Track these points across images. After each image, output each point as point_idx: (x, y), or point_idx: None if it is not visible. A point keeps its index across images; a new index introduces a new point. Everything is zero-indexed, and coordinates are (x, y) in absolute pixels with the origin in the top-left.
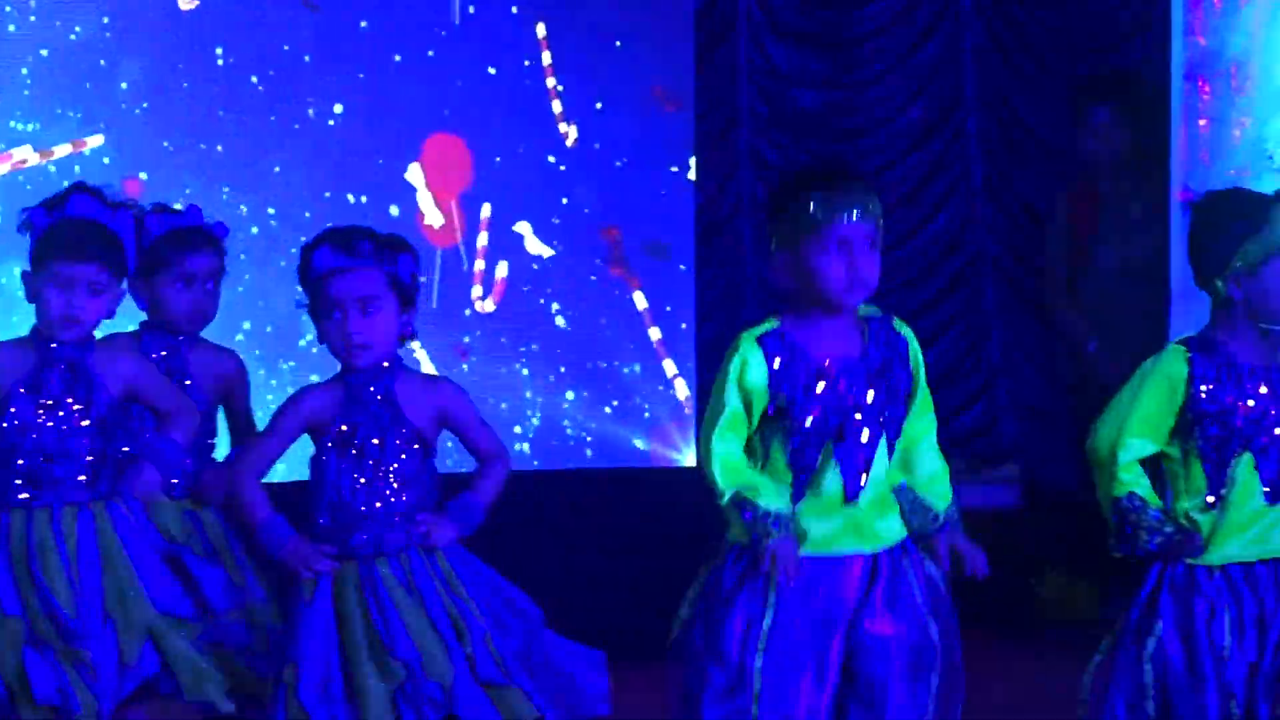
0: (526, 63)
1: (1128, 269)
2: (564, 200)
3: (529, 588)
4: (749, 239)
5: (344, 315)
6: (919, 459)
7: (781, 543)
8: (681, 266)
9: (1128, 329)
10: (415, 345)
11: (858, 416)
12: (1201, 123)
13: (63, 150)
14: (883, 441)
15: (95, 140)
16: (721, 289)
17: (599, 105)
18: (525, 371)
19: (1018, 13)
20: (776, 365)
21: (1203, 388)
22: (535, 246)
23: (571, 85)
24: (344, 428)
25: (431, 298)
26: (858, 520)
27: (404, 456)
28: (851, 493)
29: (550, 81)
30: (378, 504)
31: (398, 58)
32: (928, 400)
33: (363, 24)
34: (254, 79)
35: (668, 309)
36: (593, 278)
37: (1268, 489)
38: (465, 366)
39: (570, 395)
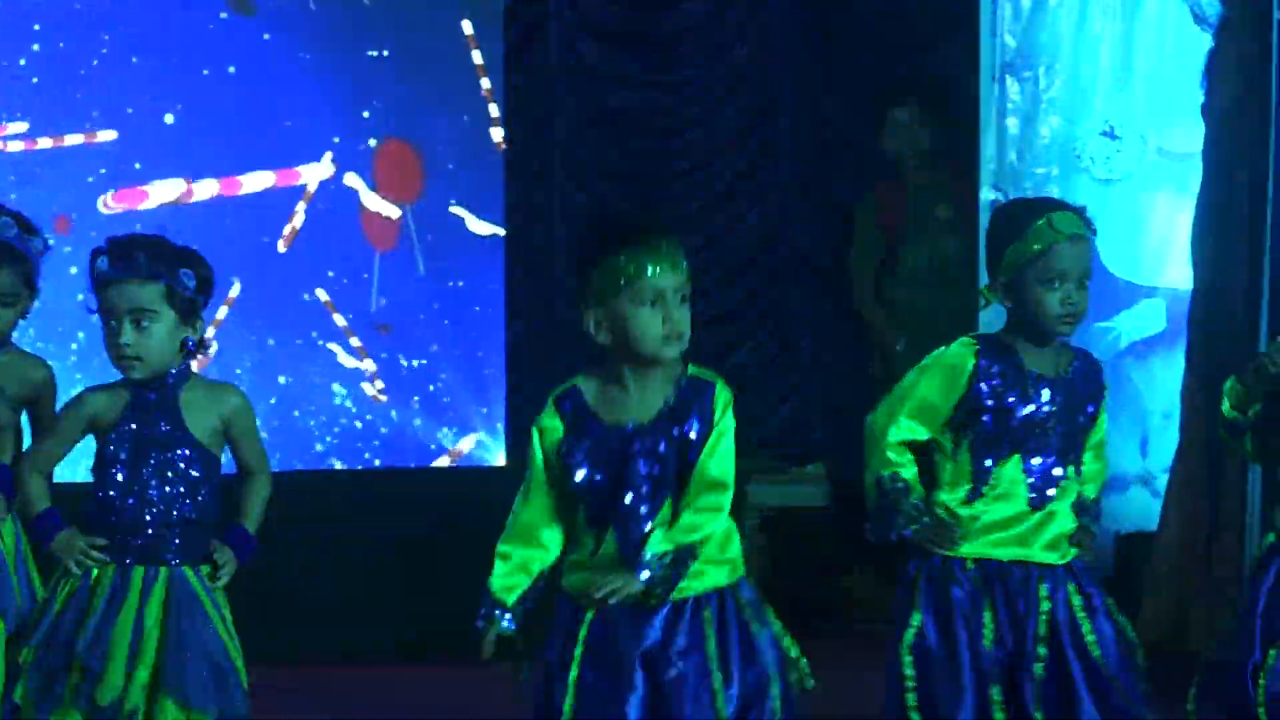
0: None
1: (936, 269)
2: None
3: (327, 583)
4: (561, 235)
5: (117, 326)
6: None
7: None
8: (495, 264)
9: (937, 328)
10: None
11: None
12: (1010, 122)
13: None
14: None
15: None
16: (532, 285)
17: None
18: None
19: (829, 14)
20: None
21: (984, 384)
22: None
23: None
24: (124, 431)
25: None
26: None
27: (183, 466)
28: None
29: None
30: (154, 510)
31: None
32: None
33: None
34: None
35: (476, 309)
36: (415, 276)
37: (1033, 495)
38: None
39: (379, 391)
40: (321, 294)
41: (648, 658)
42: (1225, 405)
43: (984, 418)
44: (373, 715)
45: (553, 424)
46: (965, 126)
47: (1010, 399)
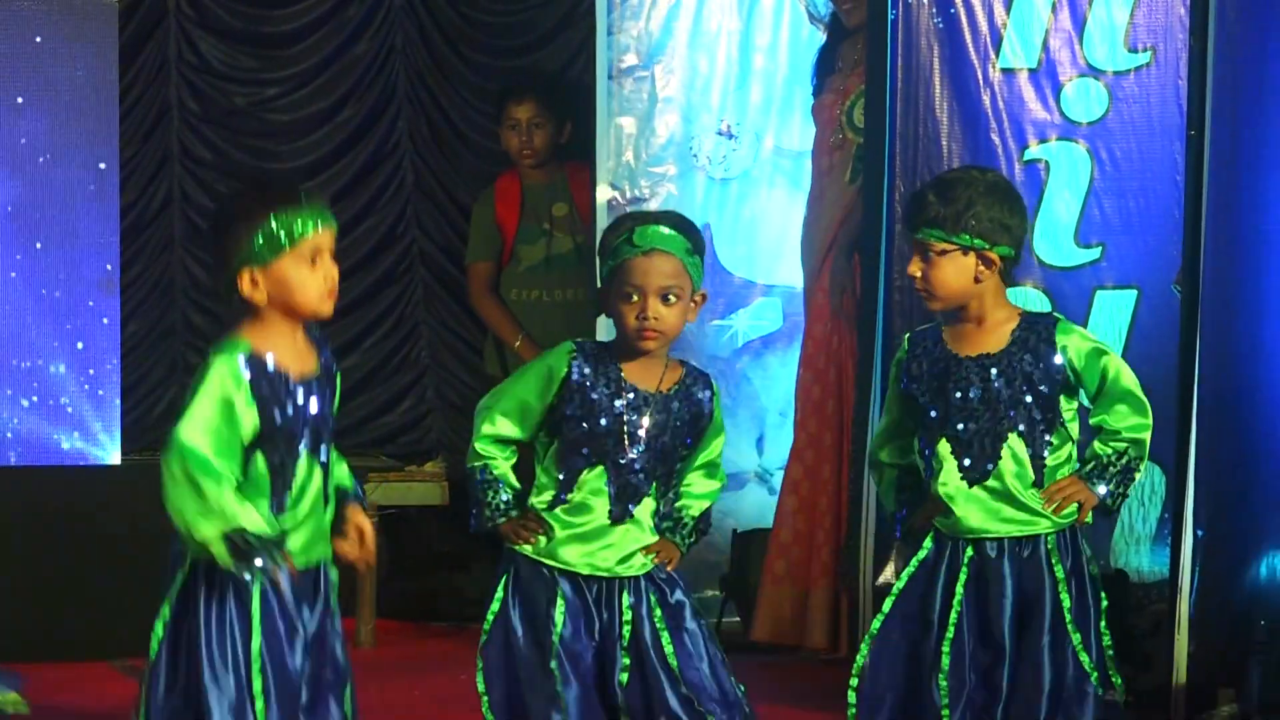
0: None
1: (553, 267)
2: None
3: None
4: (179, 236)
5: None
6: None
7: None
8: (108, 266)
9: (553, 327)
10: None
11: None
12: (627, 121)
13: None
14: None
15: None
16: (148, 285)
17: (20, 100)
18: None
19: (446, 12)
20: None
21: (573, 392)
22: None
23: None
24: None
25: None
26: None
27: None
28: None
29: None
30: None
31: None
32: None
33: None
34: None
35: (90, 303)
36: (13, 274)
37: (612, 509)
38: None
39: None
40: None
41: None
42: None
43: (568, 423)
44: None
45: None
46: (583, 125)
47: (591, 405)
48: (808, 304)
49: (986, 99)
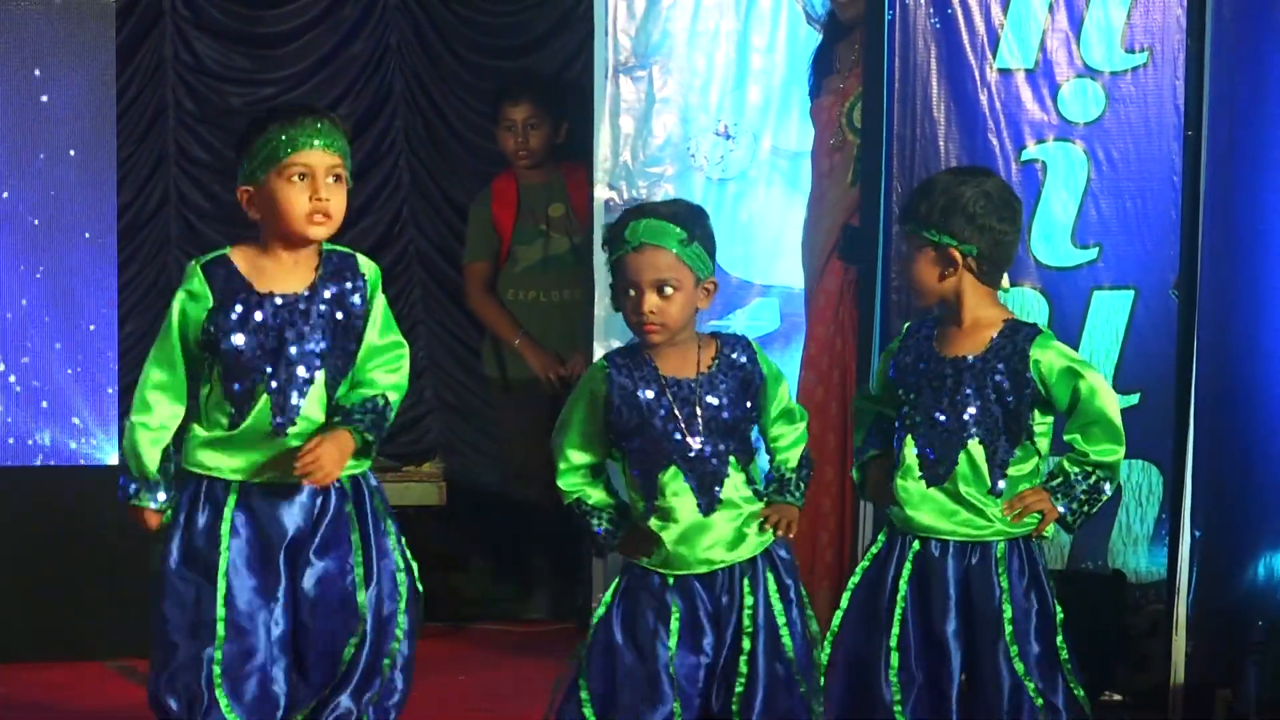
0: None
1: (550, 267)
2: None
3: None
4: (175, 236)
5: None
6: None
7: None
8: (103, 263)
9: (551, 327)
10: None
11: (292, 351)
12: (625, 121)
13: None
14: (319, 377)
15: None
16: (145, 285)
17: (20, 100)
18: None
19: (442, 12)
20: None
21: (620, 405)
22: None
23: None
24: None
25: None
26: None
27: None
28: (279, 428)
29: None
30: None
31: None
32: None
33: None
34: None
35: (87, 303)
36: (22, 267)
37: (699, 502)
38: None
39: None
40: None
41: None
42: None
43: (625, 435)
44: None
45: (201, 290)
46: (580, 125)
47: (638, 409)
48: (809, 306)
49: (984, 99)
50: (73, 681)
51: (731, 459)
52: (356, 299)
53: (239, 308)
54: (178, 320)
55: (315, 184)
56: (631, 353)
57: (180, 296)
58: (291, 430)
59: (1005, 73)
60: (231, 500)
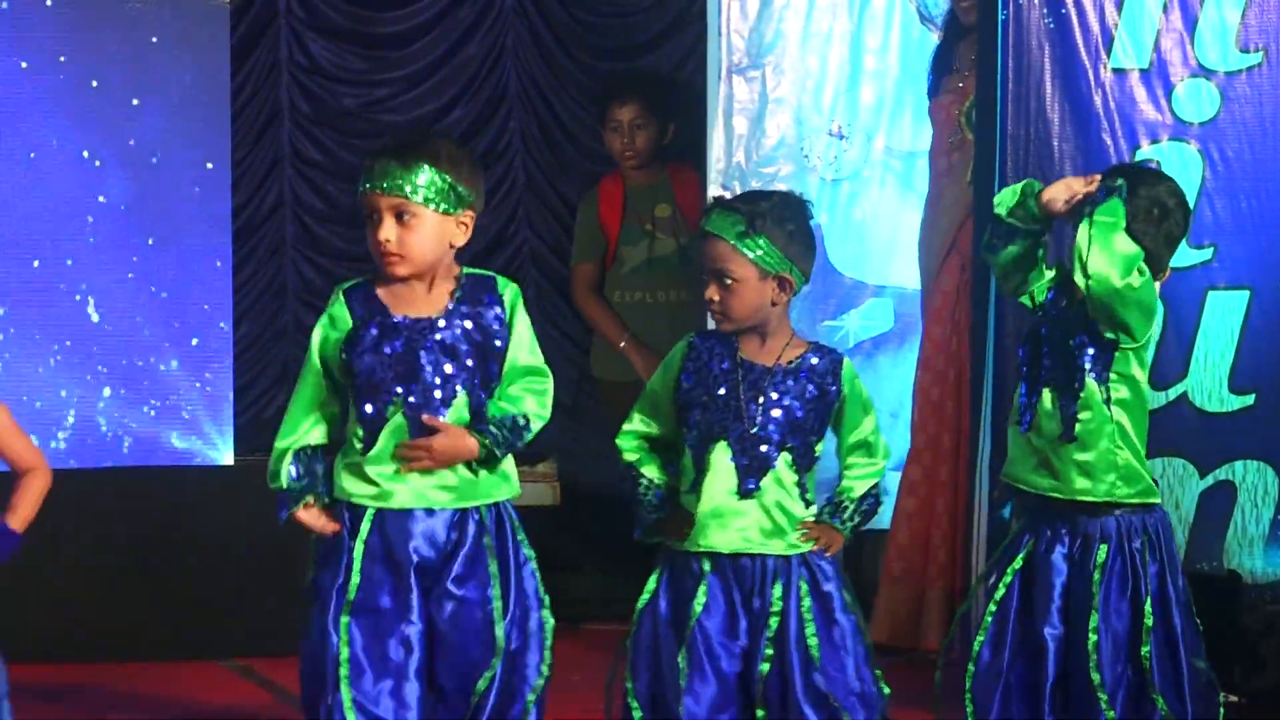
0: (62, 58)
1: (656, 268)
2: (100, 198)
3: (63, 584)
4: (290, 238)
5: None
6: None
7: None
8: (218, 263)
9: (657, 328)
10: None
11: (428, 372)
12: (738, 122)
13: None
14: (459, 399)
15: None
16: (260, 288)
17: (135, 102)
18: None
19: (557, 13)
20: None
21: (691, 363)
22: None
23: (106, 81)
24: None
25: None
26: None
27: None
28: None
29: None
30: None
31: None
32: None
33: None
34: None
35: (206, 307)
36: (130, 275)
37: (740, 483)
38: None
39: (107, 392)
40: None
41: None
42: (1004, 204)
43: (689, 408)
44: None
45: (341, 312)
46: (692, 125)
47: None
48: (926, 306)
49: (1098, 99)
50: (190, 680)
51: (785, 455)
52: (495, 320)
53: (373, 331)
54: (318, 346)
55: (378, 225)
56: (722, 335)
57: (323, 322)
58: None
59: (1119, 72)
60: (365, 526)
